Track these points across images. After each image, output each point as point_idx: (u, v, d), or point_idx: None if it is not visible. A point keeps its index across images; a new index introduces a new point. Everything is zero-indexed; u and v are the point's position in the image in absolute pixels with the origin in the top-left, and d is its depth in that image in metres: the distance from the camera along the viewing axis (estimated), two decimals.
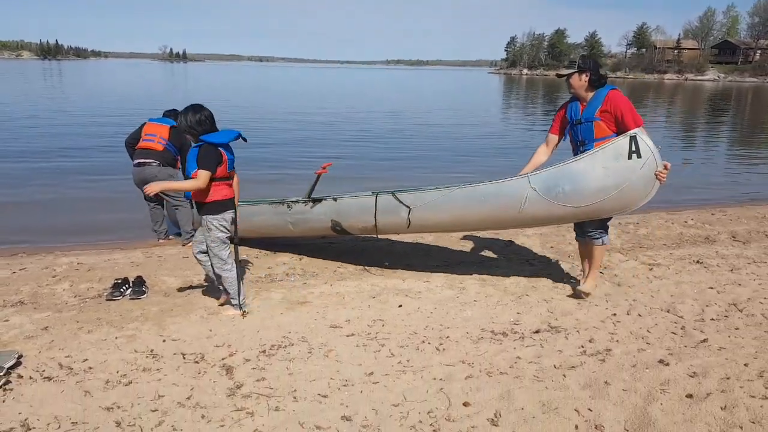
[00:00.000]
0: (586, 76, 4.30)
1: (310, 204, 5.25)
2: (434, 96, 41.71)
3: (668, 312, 4.33)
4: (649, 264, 5.57)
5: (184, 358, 3.61)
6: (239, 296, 4.31)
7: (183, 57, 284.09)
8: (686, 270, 5.38)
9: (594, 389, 3.18)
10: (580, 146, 4.40)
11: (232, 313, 4.32)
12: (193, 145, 4.07)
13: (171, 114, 6.27)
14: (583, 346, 3.73)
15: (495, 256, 6.00)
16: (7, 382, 3.23)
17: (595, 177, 4.10)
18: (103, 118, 20.31)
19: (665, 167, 4.04)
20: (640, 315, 4.27)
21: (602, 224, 4.50)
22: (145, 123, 6.30)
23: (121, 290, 4.76)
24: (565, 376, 3.34)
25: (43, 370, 3.41)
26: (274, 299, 4.65)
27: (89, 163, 11.48)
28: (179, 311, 4.40)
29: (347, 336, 3.94)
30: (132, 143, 6.26)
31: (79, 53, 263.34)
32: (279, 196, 5.94)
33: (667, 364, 3.46)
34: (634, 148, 4.01)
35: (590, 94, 4.33)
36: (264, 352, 3.70)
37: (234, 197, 4.21)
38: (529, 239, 6.51)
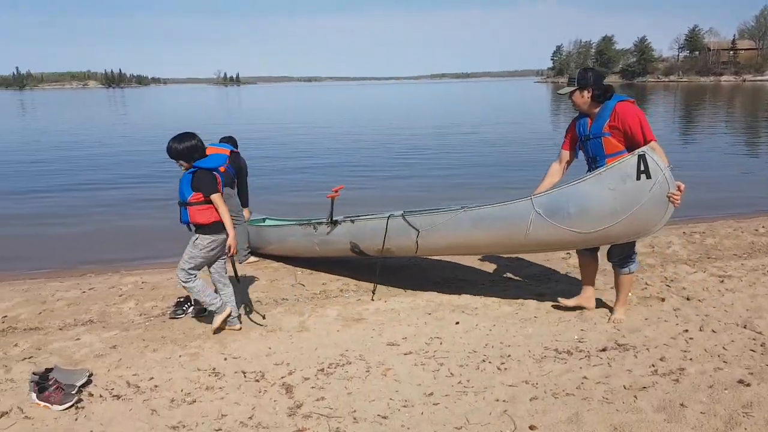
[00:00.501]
0: (588, 92, 4.01)
1: (331, 226, 5.33)
2: (482, 108, 41.28)
3: (745, 327, 4.08)
4: (720, 276, 5.29)
5: (245, 376, 3.64)
6: (215, 302, 4.32)
7: (236, 80, 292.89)
8: (761, 282, 5.08)
9: (669, 412, 3.02)
10: (591, 163, 4.14)
11: (218, 320, 4.34)
12: (185, 171, 4.20)
13: (228, 140, 6.60)
14: (654, 365, 3.56)
15: (553, 269, 5.84)
16: (79, 400, 3.34)
17: (602, 199, 3.78)
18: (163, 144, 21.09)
19: (678, 188, 3.68)
20: (714, 331, 4.04)
21: (626, 250, 4.15)
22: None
23: (184, 308, 4.86)
24: (636, 397, 3.18)
25: (112, 389, 3.50)
26: (329, 316, 4.66)
27: (151, 189, 11.90)
28: (239, 328, 4.45)
29: (405, 354, 3.90)
30: None
31: (141, 80, 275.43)
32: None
33: (748, 385, 3.25)
34: (642, 168, 3.63)
35: (597, 109, 4.04)
36: (322, 370, 3.69)
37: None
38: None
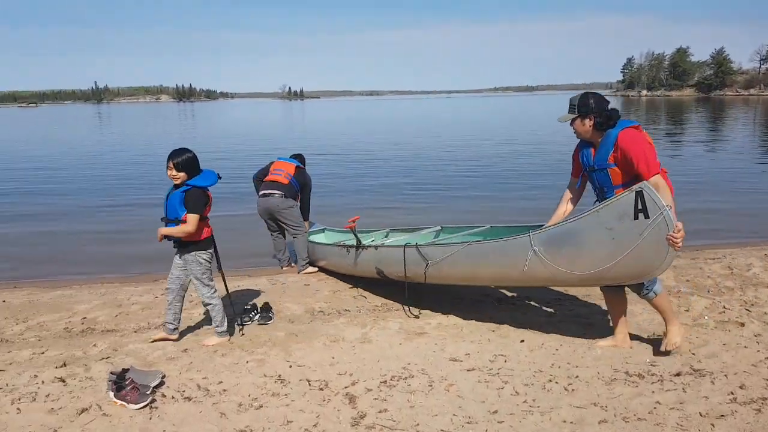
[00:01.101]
0: (590, 120, 3.72)
1: (359, 250, 5.54)
2: (547, 123, 40.31)
3: None
4: None
5: (309, 384, 3.70)
6: (224, 324, 4.51)
7: (300, 95, 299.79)
8: None
9: None
10: (600, 194, 3.87)
11: (216, 341, 4.46)
12: (175, 189, 4.24)
13: (297, 157, 6.97)
14: (732, 393, 3.38)
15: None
16: (153, 400, 3.47)
17: (598, 239, 3.57)
18: (230, 155, 21.78)
19: (677, 229, 3.34)
20: None
21: None
22: (273, 161, 6.92)
23: (250, 315, 4.99)
24: (713, 425, 3.03)
25: (183, 391, 3.63)
26: (391, 329, 4.67)
27: (219, 202, 12.29)
28: (303, 337, 4.53)
29: (468, 370, 3.86)
30: (260, 177, 6.86)
31: (209, 95, 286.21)
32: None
33: None
34: (640, 206, 3.36)
35: (600, 138, 3.75)
36: (385, 382, 3.71)
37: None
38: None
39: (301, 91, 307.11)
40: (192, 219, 4.18)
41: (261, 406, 3.42)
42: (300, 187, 6.73)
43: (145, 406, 3.40)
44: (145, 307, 5.48)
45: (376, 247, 5.37)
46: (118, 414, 3.36)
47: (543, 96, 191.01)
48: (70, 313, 5.37)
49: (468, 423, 3.20)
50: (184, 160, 4.18)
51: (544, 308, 5.08)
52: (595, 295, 5.45)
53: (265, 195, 6.61)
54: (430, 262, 4.66)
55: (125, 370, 3.62)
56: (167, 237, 4.31)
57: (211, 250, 4.42)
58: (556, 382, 3.62)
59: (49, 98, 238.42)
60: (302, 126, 44.46)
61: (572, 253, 3.72)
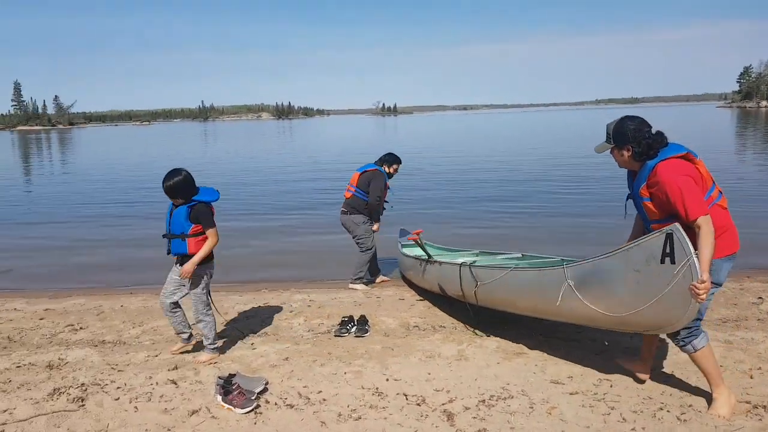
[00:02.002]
0: (628, 151, 3.36)
1: (426, 264, 5.76)
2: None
3: None
4: None
5: (406, 399, 3.70)
6: (215, 340, 4.59)
7: (394, 110, 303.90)
8: None
9: None
10: (645, 223, 3.49)
11: (207, 357, 4.49)
12: (177, 205, 4.31)
13: (381, 158, 6.92)
14: None
15: (744, 313, 5.24)
16: (258, 405, 3.61)
17: (625, 280, 3.33)
18: (322, 168, 22.40)
19: (702, 281, 2.96)
20: None
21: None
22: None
23: (347, 327, 5.08)
24: None
25: (285, 398, 3.75)
26: (488, 347, 4.59)
27: (317, 215, 12.67)
28: (399, 352, 4.55)
29: (570, 394, 3.71)
30: None
31: (307, 112, 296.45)
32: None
33: None
34: (668, 250, 3.06)
35: (639, 166, 3.40)
36: (483, 401, 3.64)
37: None
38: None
39: (395, 106, 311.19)
40: (213, 232, 4.33)
41: (360, 418, 3.46)
42: (365, 195, 6.69)
43: (250, 411, 3.55)
44: (249, 316, 5.72)
45: (440, 263, 5.47)
46: (226, 417, 3.51)
47: (650, 108, 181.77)
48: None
49: None
50: (174, 184, 4.23)
51: None
52: (713, 320, 5.10)
53: (341, 212, 6.85)
54: (479, 283, 4.65)
55: (232, 375, 3.79)
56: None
57: (211, 265, 4.50)
58: (668, 411, 3.41)
59: (160, 116, 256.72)
60: (395, 139, 44.96)
61: (601, 291, 3.53)
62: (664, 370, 3.99)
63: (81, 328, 5.53)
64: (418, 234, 5.81)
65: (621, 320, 3.49)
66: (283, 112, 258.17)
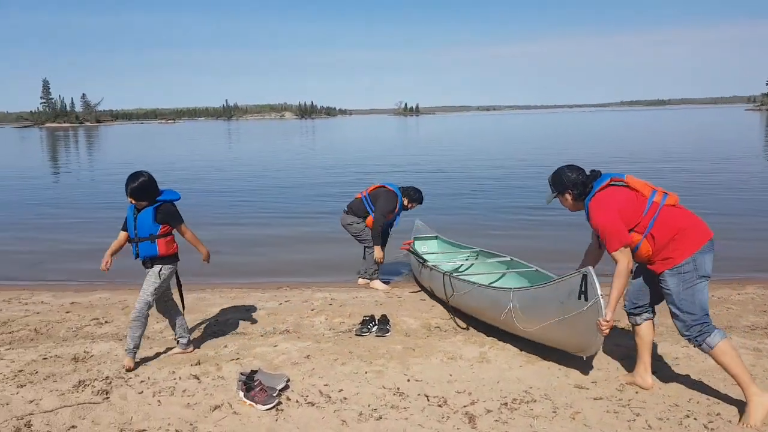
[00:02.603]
0: (569, 195, 3.78)
1: (422, 267, 6.26)
2: (685, 139, 37.14)
3: None
4: None
5: (428, 400, 3.68)
6: (187, 334, 4.65)
7: (416, 111, 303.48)
8: None
9: None
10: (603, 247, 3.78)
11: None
12: (140, 209, 4.26)
13: (405, 189, 6.86)
14: None
15: None
16: (279, 402, 3.62)
17: (553, 309, 3.93)
18: (346, 171, 22.44)
19: (606, 320, 3.51)
20: None
21: (686, 320, 3.40)
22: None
23: (368, 327, 5.07)
24: None
25: (307, 396, 3.76)
26: (511, 350, 4.55)
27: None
28: (421, 352, 4.53)
29: (594, 399, 3.66)
30: None
31: (329, 112, 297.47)
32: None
33: None
34: (583, 288, 3.63)
35: (582, 206, 3.78)
36: (505, 404, 3.61)
37: None
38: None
39: (417, 107, 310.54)
40: (185, 227, 4.35)
41: (381, 417, 3.45)
42: (372, 206, 6.68)
43: (272, 408, 3.56)
44: (271, 313, 5.74)
45: (430, 268, 5.95)
46: (248, 413, 3.53)
47: (677, 111, 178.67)
48: (203, 314, 5.75)
49: None
50: (141, 186, 4.19)
51: (680, 339, 4.70)
52: (737, 327, 4.99)
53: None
54: (454, 292, 5.26)
55: (254, 372, 3.81)
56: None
57: (174, 266, 4.45)
58: (695, 419, 3.35)
59: (185, 115, 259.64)
60: (416, 138, 44.90)
61: (534, 314, 4.15)
62: (691, 377, 3.92)
63: (106, 321, 5.61)
64: (409, 244, 6.70)
65: (548, 339, 4.18)
66: (306, 112, 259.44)
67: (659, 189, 3.56)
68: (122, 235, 4.43)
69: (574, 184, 3.74)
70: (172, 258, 4.39)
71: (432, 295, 6.19)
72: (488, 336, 4.87)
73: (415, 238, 7.40)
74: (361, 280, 6.95)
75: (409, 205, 6.85)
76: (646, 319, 3.77)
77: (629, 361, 4.21)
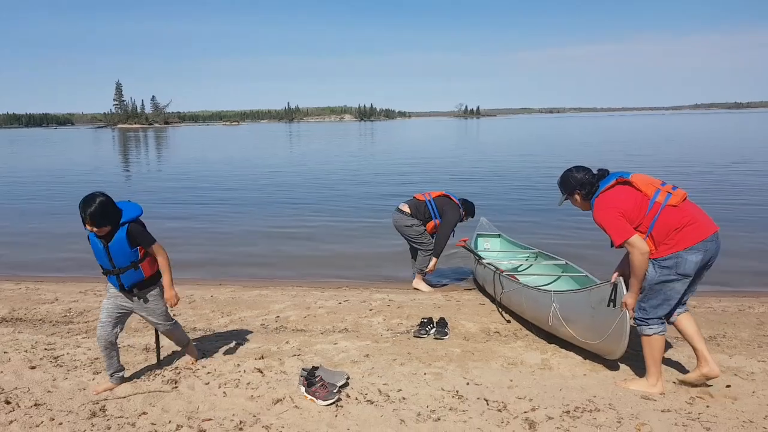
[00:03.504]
0: (578, 195, 3.97)
1: (477, 264, 6.50)
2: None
3: None
4: None
5: (487, 404, 3.65)
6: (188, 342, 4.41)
7: (477, 113, 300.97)
8: None
9: None
10: None
11: (191, 360, 4.35)
12: (104, 236, 3.69)
13: (464, 201, 6.82)
14: None
15: None
16: (339, 399, 3.68)
17: (586, 313, 4.14)
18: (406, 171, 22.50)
19: (627, 303, 3.74)
20: None
21: (641, 306, 3.75)
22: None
23: (427, 329, 5.07)
24: None
25: (366, 394, 3.79)
26: (575, 358, 4.45)
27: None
28: (480, 356, 4.50)
29: (662, 411, 3.54)
30: None
31: (388, 114, 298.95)
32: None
33: None
34: (612, 297, 3.85)
35: (590, 206, 3.94)
36: (568, 412, 3.53)
37: None
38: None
39: (478, 109, 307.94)
40: (158, 246, 3.84)
41: (439, 419, 3.45)
42: (438, 213, 6.62)
43: (332, 404, 3.62)
44: (330, 312, 5.83)
45: (484, 265, 6.17)
46: (308, 408, 3.60)
47: (754, 113, 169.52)
48: (266, 311, 5.90)
49: None
50: (100, 209, 3.57)
51: (756, 352, 4.49)
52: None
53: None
54: (504, 290, 5.50)
55: (315, 368, 3.88)
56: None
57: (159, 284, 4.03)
58: None
59: (248, 117, 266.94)
60: (475, 143, 44.43)
61: (572, 317, 4.35)
62: (765, 393, 3.72)
63: (174, 315, 5.82)
64: (464, 241, 6.72)
65: (580, 341, 4.33)
66: (365, 114, 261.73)
67: (664, 188, 3.67)
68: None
69: (581, 184, 3.92)
70: (156, 275, 3.96)
71: (484, 291, 6.44)
72: (549, 343, 4.78)
73: (479, 235, 7.61)
74: (421, 286, 6.90)
75: (465, 219, 6.85)
76: (678, 314, 3.83)
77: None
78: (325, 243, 10.01)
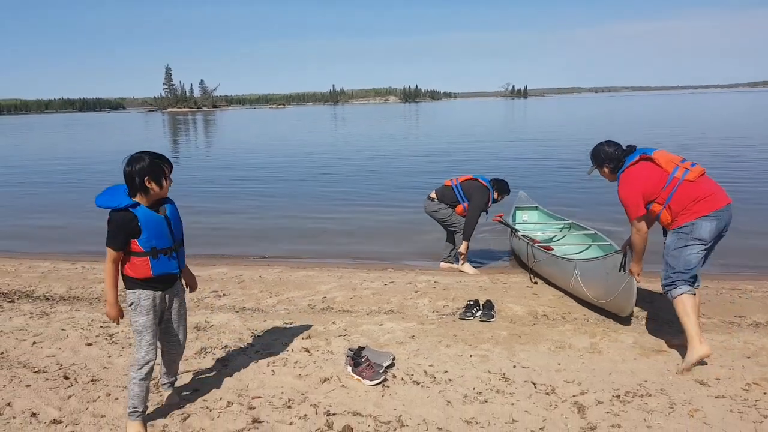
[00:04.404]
0: (606, 168, 4.30)
1: (513, 236, 7.11)
2: None
3: None
4: None
5: (534, 387, 3.62)
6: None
7: (524, 93, 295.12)
8: None
9: None
10: None
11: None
12: (155, 205, 3.11)
13: (495, 181, 6.88)
14: None
15: None
16: (385, 379, 3.71)
17: (601, 277, 4.77)
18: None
19: (633, 270, 4.26)
20: None
21: (666, 270, 4.02)
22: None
23: (473, 311, 5.05)
24: None
25: (412, 375, 3.82)
26: (624, 342, 4.36)
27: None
28: (527, 339, 4.45)
29: (716, 397, 3.44)
30: None
31: (433, 95, 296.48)
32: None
33: None
34: (623, 263, 4.41)
35: (616, 178, 4.24)
36: (618, 397, 3.47)
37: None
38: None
39: (525, 89, 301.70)
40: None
41: (486, 401, 3.44)
42: (465, 197, 6.71)
43: (378, 384, 3.65)
44: (376, 293, 5.87)
45: (518, 237, 6.76)
46: (355, 387, 3.65)
47: None
48: (313, 291, 5.98)
49: None
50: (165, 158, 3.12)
51: None
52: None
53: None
54: (535, 259, 6.17)
55: (361, 348, 3.92)
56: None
57: None
58: None
59: (293, 100, 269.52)
60: (522, 123, 43.63)
61: (591, 281, 4.98)
62: None
63: (224, 294, 5.99)
64: (500, 216, 6.99)
65: (598, 302, 4.95)
66: (410, 96, 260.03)
67: (683, 165, 3.96)
68: (117, 256, 3.03)
69: (610, 158, 4.25)
70: None
71: (519, 261, 6.99)
72: (599, 327, 4.70)
73: (517, 208, 8.14)
74: (443, 264, 7.03)
75: (499, 197, 6.92)
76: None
77: (757, 360, 3.93)
78: (370, 226, 10.05)
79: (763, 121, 35.67)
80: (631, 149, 4.18)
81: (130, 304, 3.13)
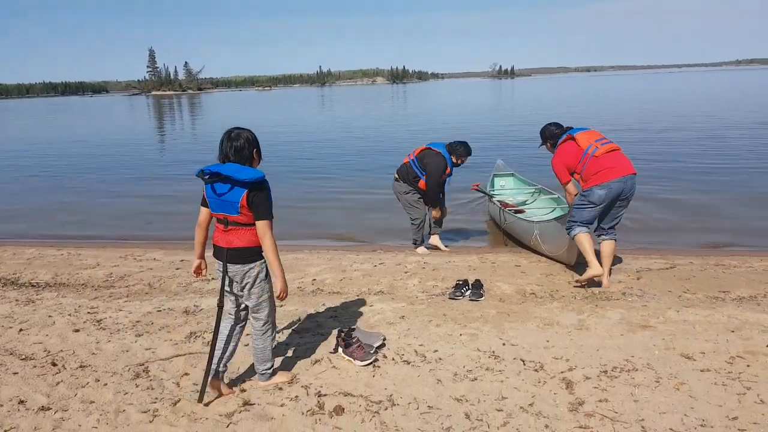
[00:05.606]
0: (549, 144, 5.60)
1: (489, 202, 8.10)
2: None
3: None
4: None
5: (524, 364, 3.66)
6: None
7: (511, 73, 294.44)
8: None
9: None
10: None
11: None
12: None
13: (450, 145, 6.67)
14: None
15: None
16: (376, 359, 3.73)
17: (555, 235, 5.83)
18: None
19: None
20: None
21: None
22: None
23: (462, 291, 5.07)
24: None
25: (402, 354, 3.84)
26: (611, 318, 4.41)
27: None
28: (516, 317, 4.49)
29: (701, 371, 3.50)
30: None
31: (421, 76, 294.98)
32: None
33: None
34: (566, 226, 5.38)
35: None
36: (605, 372, 3.52)
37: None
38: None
39: (512, 69, 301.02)
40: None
41: (476, 379, 3.47)
42: (423, 171, 6.54)
43: (369, 364, 3.67)
44: (366, 274, 5.88)
45: (493, 203, 7.67)
46: (346, 368, 3.67)
47: None
48: (302, 274, 5.98)
49: (702, 426, 2.92)
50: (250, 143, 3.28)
51: None
52: None
53: None
54: (505, 222, 7.09)
55: (352, 329, 3.94)
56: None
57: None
58: None
59: (280, 82, 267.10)
60: (508, 104, 43.62)
61: (545, 238, 6.10)
62: None
63: (212, 278, 5.95)
64: (477, 185, 7.72)
65: (552, 255, 6.08)
66: (398, 77, 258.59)
67: (596, 143, 5.11)
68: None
69: (552, 136, 5.53)
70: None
71: (494, 222, 7.94)
72: (586, 304, 4.75)
73: (495, 175, 9.03)
74: (420, 249, 6.93)
75: (459, 161, 6.67)
76: (603, 240, 5.27)
77: (741, 334, 4.00)
78: (360, 206, 10.04)
79: (746, 98, 35.87)
80: (566, 129, 5.39)
81: (265, 276, 3.22)
